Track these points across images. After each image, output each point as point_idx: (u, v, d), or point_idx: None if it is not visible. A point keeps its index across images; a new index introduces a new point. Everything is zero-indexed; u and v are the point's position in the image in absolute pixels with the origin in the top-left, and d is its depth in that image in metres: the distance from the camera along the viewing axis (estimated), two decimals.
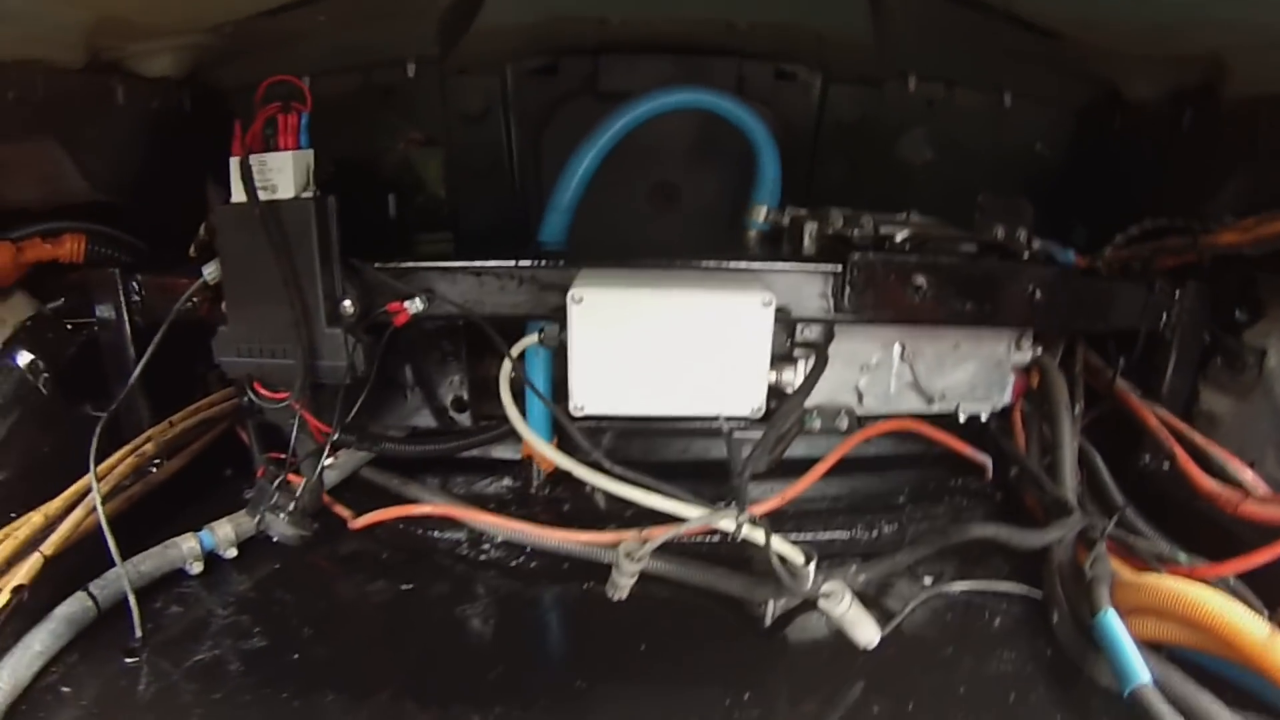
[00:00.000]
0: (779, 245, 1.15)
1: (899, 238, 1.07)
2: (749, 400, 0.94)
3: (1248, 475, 1.09)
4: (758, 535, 0.85)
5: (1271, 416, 1.12)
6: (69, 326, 1.16)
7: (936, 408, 1.21)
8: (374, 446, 1.09)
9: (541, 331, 0.96)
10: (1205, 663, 0.86)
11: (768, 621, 0.93)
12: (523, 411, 1.01)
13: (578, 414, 0.94)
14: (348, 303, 0.96)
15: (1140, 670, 0.83)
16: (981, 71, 1.34)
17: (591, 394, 0.93)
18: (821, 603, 0.86)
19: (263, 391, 1.00)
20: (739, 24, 1.15)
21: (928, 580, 1.04)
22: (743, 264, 1.00)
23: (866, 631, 0.90)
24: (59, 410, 1.10)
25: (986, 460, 1.23)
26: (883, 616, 0.93)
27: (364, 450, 1.10)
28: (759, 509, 0.95)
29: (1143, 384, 1.25)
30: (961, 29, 1.21)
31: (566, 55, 1.27)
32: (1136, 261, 1.27)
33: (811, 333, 1.07)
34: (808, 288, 1.02)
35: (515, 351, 0.99)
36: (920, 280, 1.04)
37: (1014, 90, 1.36)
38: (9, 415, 1.04)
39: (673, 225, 1.32)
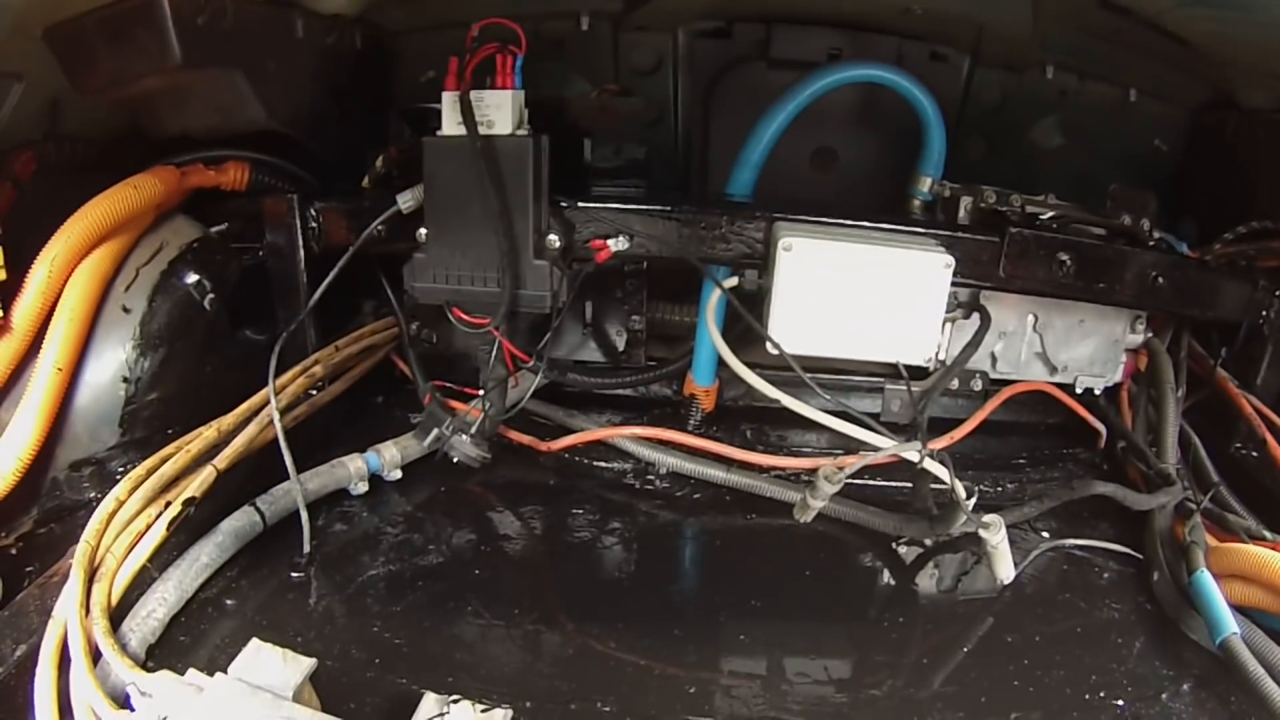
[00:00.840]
0: (934, 215, 1.25)
1: (1045, 216, 1.18)
2: (924, 350, 1.06)
3: None
4: (936, 467, 0.97)
5: None
6: (234, 249, 1.19)
7: (1059, 378, 1.32)
8: (564, 375, 1.17)
9: (743, 275, 1.07)
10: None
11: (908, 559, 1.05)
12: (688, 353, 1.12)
13: (777, 349, 1.03)
14: (553, 237, 1.03)
15: (1231, 623, 0.92)
16: (1112, 67, 1.43)
17: (789, 334, 1.03)
18: (982, 532, 0.98)
19: (462, 316, 1.06)
20: (915, 9, 1.25)
21: (1045, 535, 1.14)
22: (924, 229, 1.10)
23: (1006, 567, 1.01)
24: (222, 331, 1.13)
25: (1103, 429, 1.33)
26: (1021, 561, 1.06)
27: (553, 378, 1.18)
28: (938, 443, 1.05)
29: (1240, 375, 1.34)
30: (1103, 27, 1.29)
31: (740, 20, 1.36)
32: (1241, 259, 1.38)
33: (961, 296, 1.19)
34: (969, 255, 1.13)
35: (717, 294, 1.09)
36: (1064, 256, 1.15)
37: (1139, 87, 1.46)
38: (173, 333, 1.05)
39: (827, 188, 1.42)
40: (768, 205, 1.11)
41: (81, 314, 0.97)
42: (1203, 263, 1.34)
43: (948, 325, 1.17)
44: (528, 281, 1.02)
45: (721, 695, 0.83)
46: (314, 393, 1.15)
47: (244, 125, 1.16)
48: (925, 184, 1.23)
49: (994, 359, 1.28)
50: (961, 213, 1.21)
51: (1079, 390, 1.34)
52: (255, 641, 0.69)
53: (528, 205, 1.00)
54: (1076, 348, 1.31)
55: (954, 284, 1.08)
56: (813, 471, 0.99)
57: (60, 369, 0.94)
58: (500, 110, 0.98)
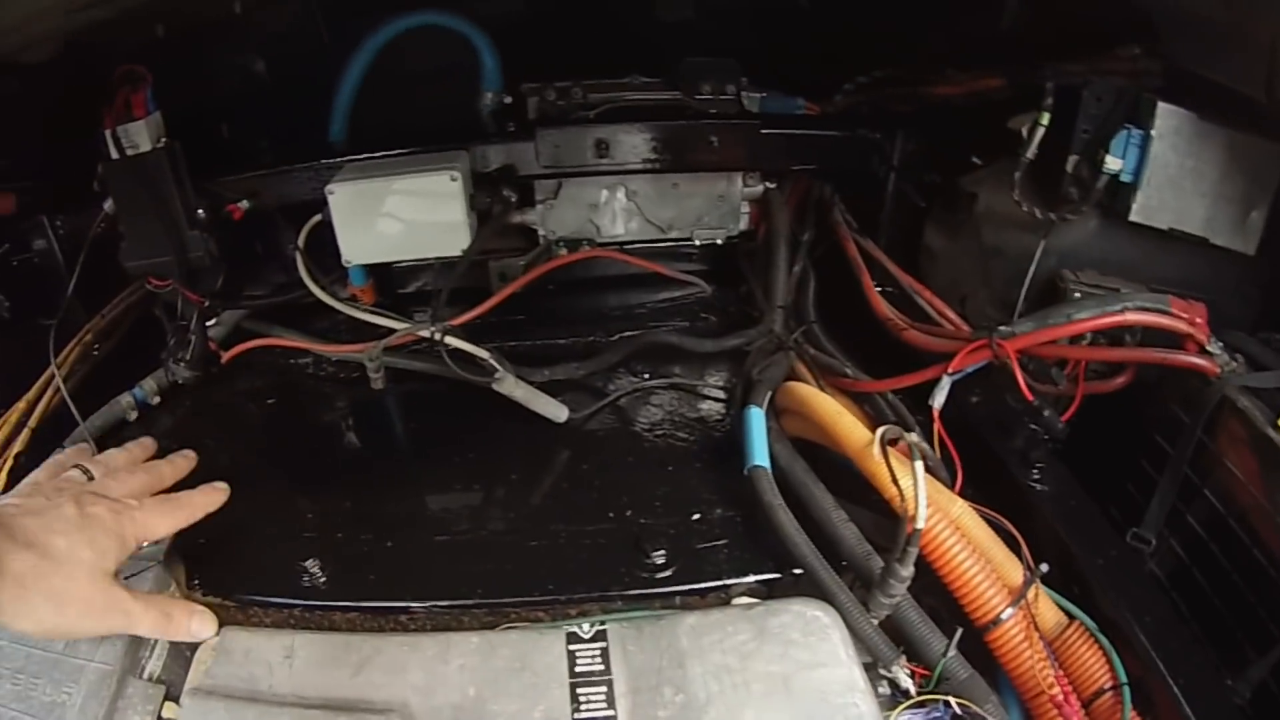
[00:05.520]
0: (510, 119, 1.57)
1: (594, 108, 1.47)
2: (457, 243, 1.42)
3: (935, 305, 1.32)
4: (454, 341, 1.33)
5: (977, 255, 1.34)
6: (15, 263, 1.52)
7: (673, 234, 1.61)
8: (234, 304, 1.58)
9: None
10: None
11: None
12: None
13: (348, 263, 1.46)
14: (200, 211, 1.41)
15: (759, 455, 1.05)
16: None
17: (355, 251, 1.45)
18: (494, 386, 1.30)
19: (155, 282, 1.45)
20: None
21: (645, 377, 1.42)
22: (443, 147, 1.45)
23: (548, 408, 1.31)
24: (18, 328, 1.47)
25: (694, 280, 1.58)
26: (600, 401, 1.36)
27: (229, 309, 1.58)
28: (456, 320, 1.36)
29: (864, 222, 1.54)
30: None
31: None
32: (863, 108, 1.58)
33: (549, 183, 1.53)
34: (516, 155, 1.47)
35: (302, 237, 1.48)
36: (600, 139, 1.46)
37: None
38: None
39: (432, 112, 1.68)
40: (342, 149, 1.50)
41: None
42: (821, 116, 1.57)
43: (541, 206, 1.54)
44: (190, 247, 1.41)
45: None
46: (95, 352, 1.52)
47: None
48: (486, 98, 1.54)
49: (597, 227, 1.60)
50: (530, 113, 1.51)
51: (697, 244, 1.63)
52: None
53: (174, 195, 1.38)
54: (676, 208, 1.60)
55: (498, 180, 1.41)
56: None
57: None
58: (140, 135, 1.35)
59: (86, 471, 0.99)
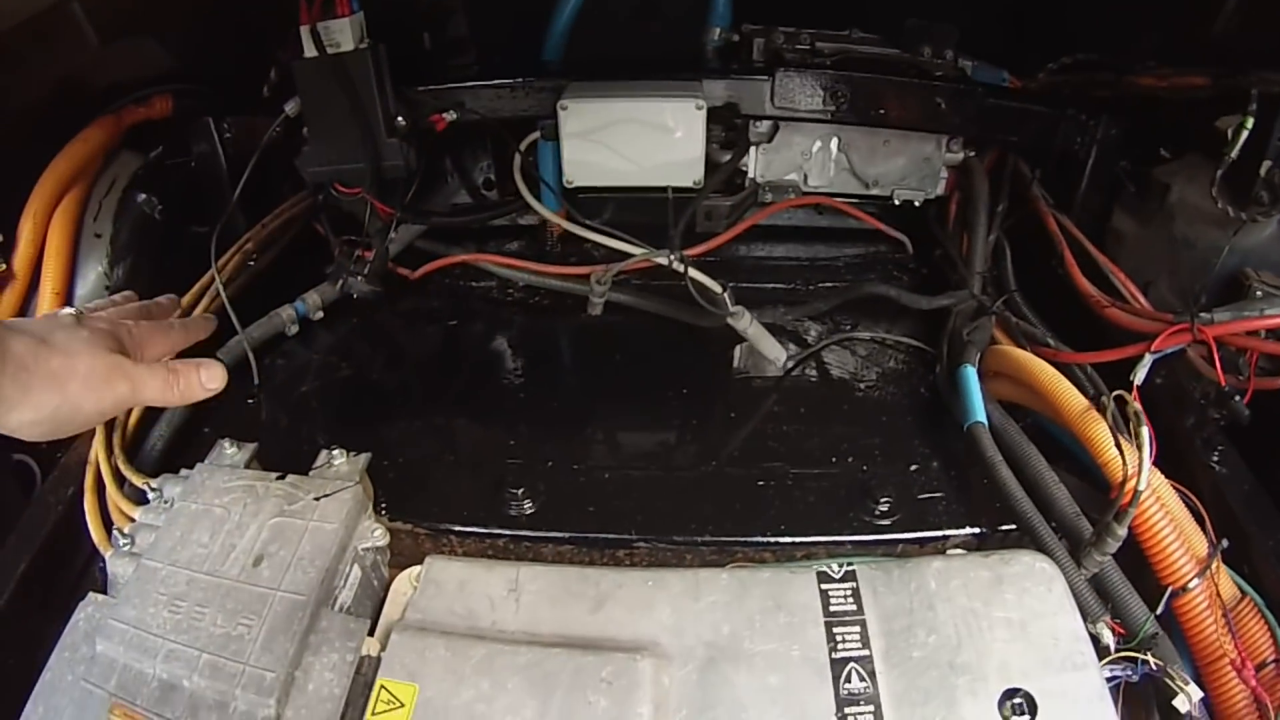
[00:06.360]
0: (734, 58, 1.53)
1: (822, 55, 1.45)
2: (690, 174, 1.41)
3: (1129, 287, 1.34)
4: (695, 272, 1.29)
5: (1166, 243, 1.35)
6: (171, 166, 1.52)
7: (875, 191, 1.60)
8: (424, 219, 1.54)
9: (543, 128, 1.41)
10: (1058, 434, 1.08)
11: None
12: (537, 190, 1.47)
13: (569, 185, 1.42)
14: (400, 119, 1.36)
15: (979, 412, 1.08)
16: None
17: (578, 172, 1.42)
18: (729, 321, 1.28)
19: (341, 189, 1.41)
20: None
21: (846, 327, 1.43)
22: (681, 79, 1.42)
23: (773, 349, 1.31)
24: (175, 233, 1.48)
25: (903, 237, 1.61)
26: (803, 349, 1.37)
27: (418, 223, 1.54)
28: (691, 251, 1.36)
29: (1060, 197, 1.54)
30: None
31: None
32: (1065, 89, 1.57)
33: (764, 126, 1.50)
34: (748, 92, 1.43)
35: (524, 145, 1.45)
36: (837, 89, 1.43)
37: None
38: (136, 243, 1.40)
39: (653, 41, 1.64)
40: (562, 69, 1.46)
41: (65, 248, 1.32)
42: (1020, 91, 1.56)
43: (755, 149, 1.52)
44: (385, 155, 1.36)
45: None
46: (251, 263, 1.49)
47: (161, 72, 1.49)
48: (714, 34, 1.52)
49: (804, 176, 1.59)
50: (755, 54, 1.49)
51: (896, 202, 1.62)
52: (219, 441, 1.02)
53: (375, 99, 1.33)
54: (884, 164, 1.59)
55: (744, 116, 1.39)
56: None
57: (57, 292, 1.31)
58: (343, 33, 1.29)
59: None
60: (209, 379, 0.90)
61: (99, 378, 0.81)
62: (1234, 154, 1.21)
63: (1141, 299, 1.32)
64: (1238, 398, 1.13)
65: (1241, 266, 1.22)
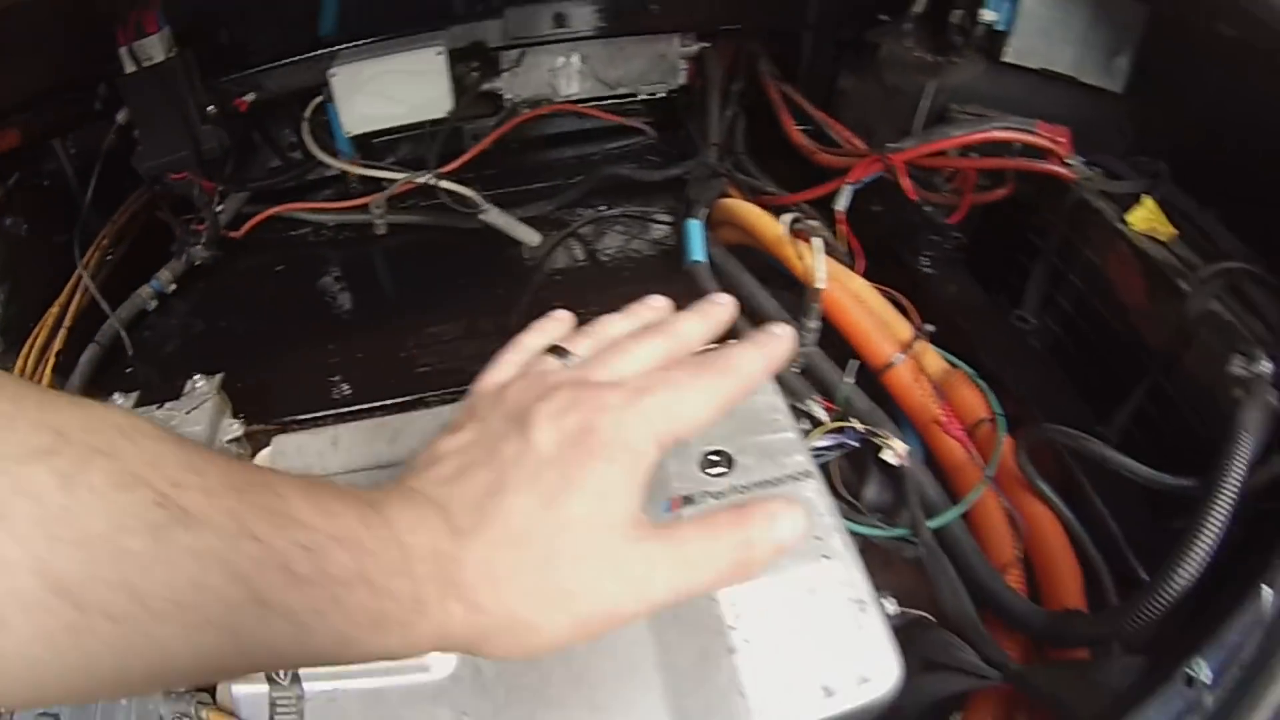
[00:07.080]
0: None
1: None
2: (441, 107, 1.70)
3: (844, 134, 1.51)
4: (446, 184, 1.60)
5: (881, 95, 1.49)
6: (27, 188, 1.60)
7: (621, 90, 1.88)
8: (242, 186, 1.77)
9: (324, 93, 1.68)
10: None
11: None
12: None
13: (349, 135, 1.71)
14: (210, 108, 1.58)
15: (696, 254, 1.28)
16: None
17: (355, 123, 1.70)
18: (480, 217, 1.55)
19: (173, 176, 1.61)
20: None
21: (604, 208, 1.69)
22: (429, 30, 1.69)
23: (526, 234, 1.56)
24: (40, 246, 1.58)
25: (643, 125, 1.86)
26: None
27: (239, 191, 1.76)
28: (451, 167, 1.64)
29: (786, 71, 1.76)
30: None
31: None
32: None
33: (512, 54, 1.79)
34: (487, 31, 1.74)
35: (309, 109, 1.71)
36: (558, 12, 1.74)
37: None
38: (13, 266, 1.50)
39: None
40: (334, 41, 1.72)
41: None
42: None
43: (507, 73, 1.81)
44: (202, 140, 1.59)
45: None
46: (109, 258, 1.66)
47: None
48: None
49: (554, 90, 1.85)
50: None
51: (642, 97, 1.90)
52: (111, 396, 1.18)
53: (188, 96, 1.55)
54: (624, 68, 1.85)
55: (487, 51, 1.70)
56: None
57: None
58: (155, 48, 1.51)
59: (563, 354, 0.63)
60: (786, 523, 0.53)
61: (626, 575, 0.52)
62: (919, 8, 1.45)
63: (859, 144, 1.48)
64: (929, 208, 1.37)
65: (949, 104, 1.41)
